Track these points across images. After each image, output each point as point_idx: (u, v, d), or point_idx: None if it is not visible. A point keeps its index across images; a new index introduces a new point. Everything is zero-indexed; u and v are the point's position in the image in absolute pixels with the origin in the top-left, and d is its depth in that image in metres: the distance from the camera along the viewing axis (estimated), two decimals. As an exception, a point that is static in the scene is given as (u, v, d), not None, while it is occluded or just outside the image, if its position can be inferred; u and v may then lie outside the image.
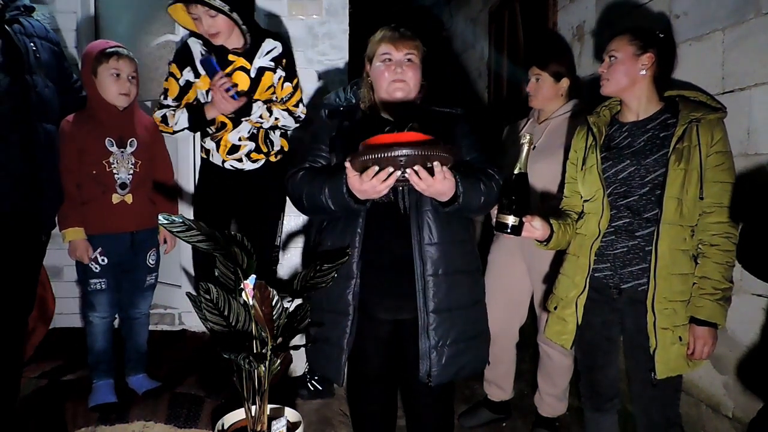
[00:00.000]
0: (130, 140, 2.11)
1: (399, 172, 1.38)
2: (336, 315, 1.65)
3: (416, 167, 1.37)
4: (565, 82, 2.30)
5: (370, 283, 1.63)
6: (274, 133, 2.31)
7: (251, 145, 2.26)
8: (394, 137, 1.38)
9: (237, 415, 1.78)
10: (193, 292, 1.70)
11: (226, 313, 1.64)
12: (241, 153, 2.25)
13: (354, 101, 1.75)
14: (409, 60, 1.65)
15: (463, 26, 4.67)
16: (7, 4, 1.82)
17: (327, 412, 2.52)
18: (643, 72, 1.64)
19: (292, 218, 2.82)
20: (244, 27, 2.04)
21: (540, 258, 2.24)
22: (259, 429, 1.66)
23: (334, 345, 1.66)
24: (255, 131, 2.25)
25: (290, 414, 1.79)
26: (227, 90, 2.03)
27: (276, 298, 1.62)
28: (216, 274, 1.73)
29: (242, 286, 1.62)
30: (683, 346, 1.58)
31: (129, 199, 2.10)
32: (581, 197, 1.78)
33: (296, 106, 2.28)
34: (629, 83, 1.65)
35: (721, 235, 1.54)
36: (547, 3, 3.03)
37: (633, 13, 2.28)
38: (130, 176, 2.10)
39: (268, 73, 2.19)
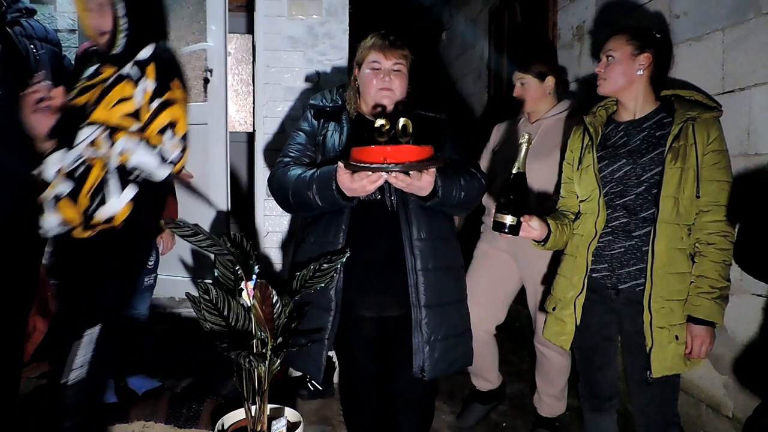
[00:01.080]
0: None
1: (387, 175, 1.45)
2: (318, 310, 1.67)
3: (394, 174, 1.43)
4: (550, 81, 2.27)
5: (354, 279, 1.65)
6: (122, 181, 1.53)
7: (65, 187, 1.51)
8: (387, 152, 1.40)
9: (237, 415, 1.78)
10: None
11: (225, 313, 1.64)
12: (49, 194, 1.52)
13: (340, 103, 1.78)
14: (396, 70, 1.70)
15: (463, 26, 4.67)
16: (9, 6, 1.82)
17: (327, 412, 2.53)
18: (641, 72, 1.64)
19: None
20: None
21: (532, 258, 2.23)
22: (259, 429, 1.66)
23: (314, 340, 1.67)
24: (82, 166, 1.51)
25: (290, 414, 1.80)
26: (39, 101, 1.54)
27: (276, 298, 1.63)
28: (216, 274, 1.74)
29: (242, 286, 1.62)
30: (680, 345, 1.58)
31: None
32: (577, 197, 1.79)
33: (163, 132, 1.55)
34: (626, 83, 1.65)
35: (718, 233, 1.54)
36: (547, 3, 3.03)
37: (633, 13, 2.27)
38: None
39: (124, 84, 1.56)
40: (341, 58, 2.79)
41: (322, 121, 1.74)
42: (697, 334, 1.55)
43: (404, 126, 1.46)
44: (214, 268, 1.72)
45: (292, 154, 1.72)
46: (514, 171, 1.53)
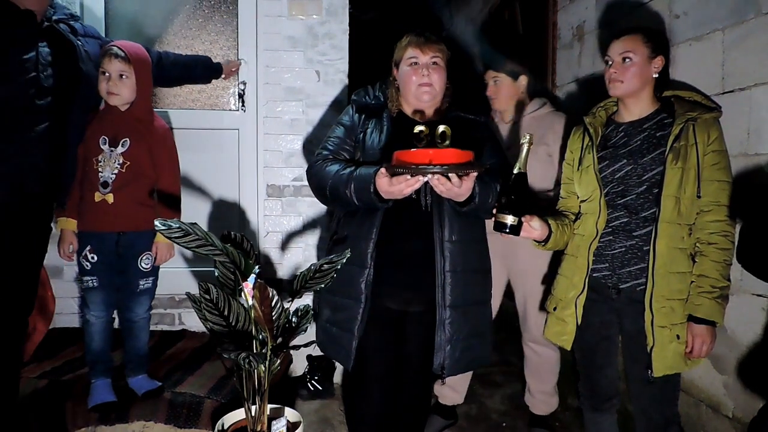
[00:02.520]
0: (123, 140, 2.07)
1: (425, 178, 1.46)
2: (348, 300, 1.69)
3: (437, 177, 1.44)
4: (523, 80, 2.29)
5: (384, 274, 1.67)
6: None
7: None
8: (430, 154, 1.41)
9: (237, 415, 1.78)
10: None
11: (226, 313, 1.64)
12: None
13: (382, 99, 1.80)
14: (434, 63, 1.71)
15: (463, 26, 4.67)
16: (56, 10, 1.99)
17: (327, 412, 2.53)
18: (656, 75, 1.65)
19: (293, 218, 2.82)
20: None
21: (522, 259, 2.23)
22: (259, 429, 1.66)
23: (345, 330, 1.69)
24: None
25: (290, 414, 1.80)
26: None
27: (276, 298, 1.63)
28: (216, 274, 1.74)
29: (242, 286, 1.62)
30: (681, 345, 1.58)
31: (110, 198, 2.05)
32: (578, 197, 1.79)
33: None
34: (641, 85, 1.65)
35: (718, 233, 1.55)
36: (547, 3, 3.04)
37: (633, 12, 2.27)
38: (114, 176, 2.06)
39: None
40: (341, 58, 2.79)
41: (363, 117, 1.76)
42: (698, 333, 1.55)
43: (443, 132, 1.47)
44: (214, 267, 1.72)
45: (330, 147, 1.75)
46: (515, 171, 1.53)
